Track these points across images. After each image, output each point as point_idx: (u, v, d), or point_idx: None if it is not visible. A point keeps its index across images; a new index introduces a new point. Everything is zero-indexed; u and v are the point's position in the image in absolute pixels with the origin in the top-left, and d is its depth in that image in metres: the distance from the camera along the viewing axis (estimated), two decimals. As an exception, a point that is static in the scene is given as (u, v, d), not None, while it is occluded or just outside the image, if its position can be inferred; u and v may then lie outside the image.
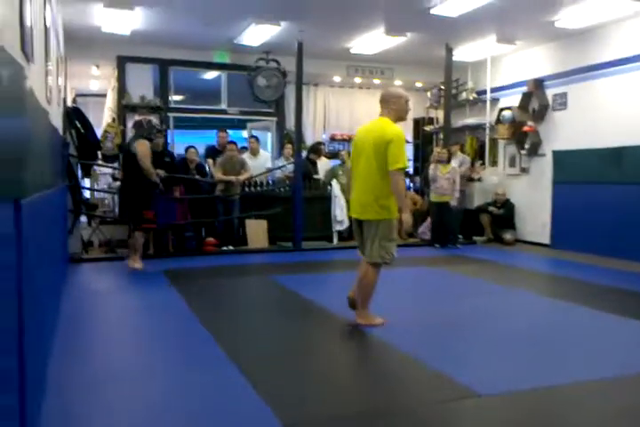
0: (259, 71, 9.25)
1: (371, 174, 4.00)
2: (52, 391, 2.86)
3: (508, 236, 8.94)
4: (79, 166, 7.75)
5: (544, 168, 8.79)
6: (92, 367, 3.35)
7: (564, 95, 8.48)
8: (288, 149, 9.03)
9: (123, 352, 3.64)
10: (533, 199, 9.00)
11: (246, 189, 8.40)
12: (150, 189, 6.55)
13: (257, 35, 8.20)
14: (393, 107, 4.06)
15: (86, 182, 8.63)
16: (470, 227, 9.28)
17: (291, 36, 8.13)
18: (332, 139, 10.66)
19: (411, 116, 10.96)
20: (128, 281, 6.19)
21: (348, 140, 10.45)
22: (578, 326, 4.30)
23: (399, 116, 4.10)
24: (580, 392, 3.01)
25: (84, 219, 7.93)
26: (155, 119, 9.00)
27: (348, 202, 8.87)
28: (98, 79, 11.09)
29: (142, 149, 6.47)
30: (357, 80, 10.43)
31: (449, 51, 8.73)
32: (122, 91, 9.05)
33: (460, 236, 9.16)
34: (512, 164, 9.55)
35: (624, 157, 7.30)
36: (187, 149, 8.22)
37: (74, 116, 7.51)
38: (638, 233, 7.07)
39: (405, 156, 3.99)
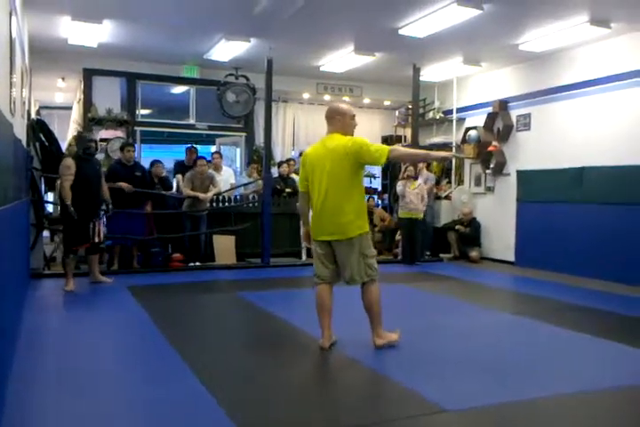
0: (228, 87, 9.24)
1: (344, 192, 3.87)
2: (10, 409, 2.76)
3: (473, 253, 9.05)
4: (43, 180, 7.59)
5: (509, 187, 8.95)
6: (52, 383, 3.25)
7: (528, 116, 8.69)
8: (253, 168, 8.97)
9: (84, 368, 3.53)
10: (498, 218, 9.15)
11: (214, 204, 8.33)
12: (64, 210, 6.12)
13: (227, 50, 8.22)
14: (339, 123, 3.99)
15: (50, 196, 8.45)
16: (437, 244, 9.38)
17: (260, 53, 8.16)
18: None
19: (379, 134, 11.18)
20: (91, 297, 6.05)
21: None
22: (541, 342, 4.35)
23: (345, 132, 3.99)
24: (544, 408, 3.03)
25: (46, 234, 7.74)
26: (121, 133, 8.96)
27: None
28: (63, 91, 10.95)
29: (61, 167, 6.16)
30: (327, 97, 10.51)
31: (416, 71, 8.88)
32: (88, 104, 8.93)
33: (428, 253, 9.25)
34: (477, 182, 9.71)
35: (585, 176, 7.49)
36: (152, 164, 8.12)
37: (38, 128, 7.38)
38: (599, 251, 7.24)
39: (379, 145, 3.93)
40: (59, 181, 7.42)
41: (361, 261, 3.90)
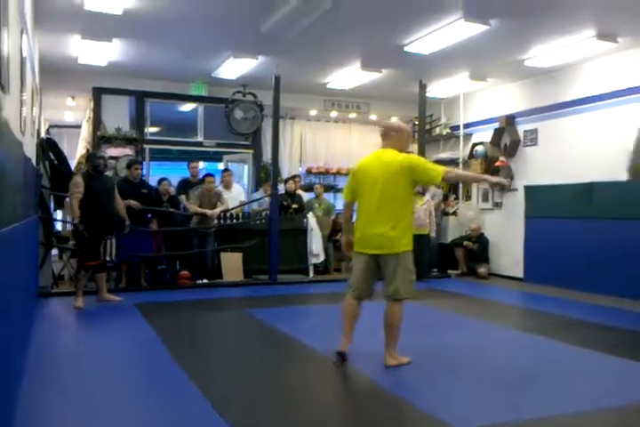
0: (236, 104, 9.31)
1: (395, 208, 3.88)
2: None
3: (481, 269, 8.99)
4: (52, 198, 7.62)
5: (516, 203, 8.92)
6: (60, 402, 3.23)
7: (535, 131, 8.69)
8: (268, 185, 8.95)
9: (92, 387, 3.51)
10: (506, 233, 9.10)
11: (221, 221, 8.34)
12: (76, 228, 6.18)
13: (234, 68, 8.29)
14: (394, 139, 4.06)
15: (58, 214, 8.49)
16: (445, 260, 9.33)
17: (268, 70, 8.23)
18: (309, 172, 10.71)
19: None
20: (99, 315, 6.03)
21: (325, 173, 10.52)
22: (553, 359, 4.29)
23: (401, 148, 4.06)
24: (559, 426, 2.99)
25: (55, 252, 7.75)
26: (130, 151, 9.02)
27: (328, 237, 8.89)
28: (73, 110, 11.05)
29: (70, 185, 6.21)
30: (334, 114, 10.56)
31: (422, 87, 8.91)
32: (97, 122, 9.00)
33: (435, 269, 9.20)
34: (485, 198, 9.68)
35: (594, 192, 7.45)
36: (160, 182, 8.14)
37: (48, 147, 7.43)
38: (610, 267, 7.16)
39: (434, 165, 3.98)
40: (68, 199, 7.47)
41: (407, 276, 3.93)
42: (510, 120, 9.02)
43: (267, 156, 9.80)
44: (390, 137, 4.08)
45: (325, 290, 7.66)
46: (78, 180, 6.21)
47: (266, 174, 9.57)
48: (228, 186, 8.82)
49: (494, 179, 4.40)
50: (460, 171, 4.21)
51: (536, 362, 4.22)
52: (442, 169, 3.86)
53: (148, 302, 6.48)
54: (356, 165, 4.21)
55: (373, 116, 10.65)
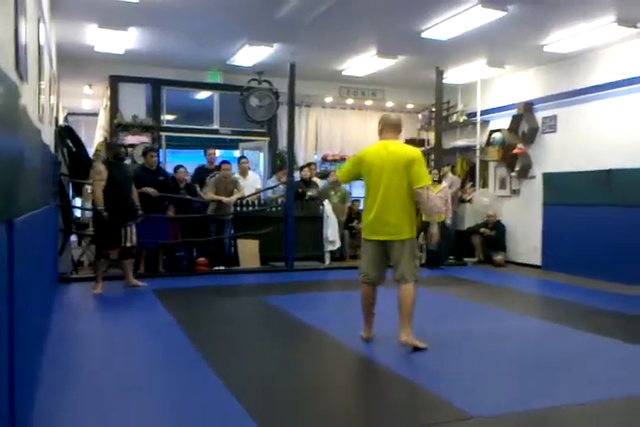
0: (251, 91, 9.30)
1: (401, 195, 4.05)
2: (41, 411, 2.80)
3: (498, 257, 8.95)
4: (70, 185, 7.71)
5: (534, 190, 8.84)
6: (80, 387, 3.29)
7: (554, 118, 8.58)
8: (282, 172, 8.97)
9: (111, 372, 3.57)
10: (524, 221, 9.04)
11: (238, 208, 8.38)
12: (97, 215, 6.30)
13: (250, 55, 8.27)
14: (396, 132, 4.25)
15: (77, 201, 8.58)
16: (461, 248, 9.30)
17: (283, 58, 8.21)
18: (324, 159, 10.70)
19: (402, 137, 11.11)
20: (118, 300, 6.12)
21: (340, 160, 10.49)
22: (568, 348, 4.28)
23: (399, 139, 4.31)
24: (571, 415, 2.99)
25: (74, 238, 7.86)
26: (146, 138, 9.07)
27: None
28: (90, 98, 11.12)
29: (92, 172, 6.31)
30: (349, 101, 10.52)
31: (439, 74, 8.84)
32: (114, 110, 9.06)
33: (452, 257, 9.17)
34: (502, 185, 9.61)
35: (613, 179, 7.36)
36: (176, 169, 8.20)
37: (66, 134, 7.50)
38: (628, 255, 7.10)
39: (427, 173, 4.17)
40: (88, 187, 7.56)
41: (411, 261, 4.10)
42: (528, 107, 8.92)
43: (282, 143, 9.80)
44: (392, 130, 4.24)
45: (341, 277, 7.69)
46: (100, 167, 6.29)
47: (281, 162, 9.58)
48: (244, 173, 8.86)
49: (434, 229, 4.39)
50: (430, 196, 4.35)
51: (553, 350, 4.21)
52: (426, 182, 4.09)
53: (165, 288, 6.56)
54: (360, 153, 4.32)
55: (389, 103, 10.59)
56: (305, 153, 10.59)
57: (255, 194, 8.76)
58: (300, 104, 10.15)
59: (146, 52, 8.25)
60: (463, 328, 4.80)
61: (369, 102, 10.60)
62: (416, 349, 4.01)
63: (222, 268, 8.04)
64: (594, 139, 7.85)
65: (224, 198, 7.95)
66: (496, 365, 3.81)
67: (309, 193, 8.91)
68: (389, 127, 4.24)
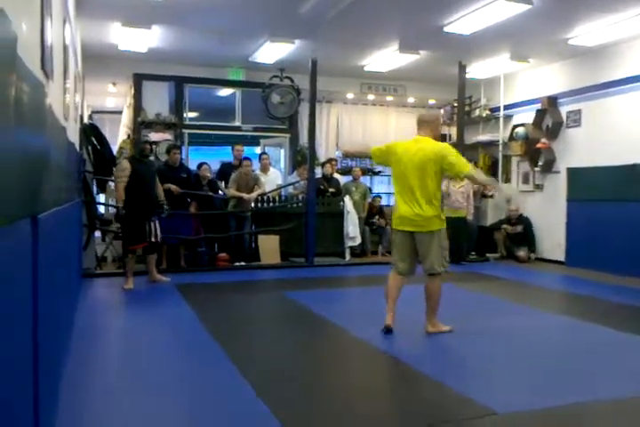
0: (273, 88, 9.33)
1: (428, 188, 4.22)
2: (64, 408, 2.85)
3: (521, 253, 8.87)
4: (95, 182, 7.82)
5: (558, 185, 8.74)
6: (103, 384, 3.35)
7: (578, 112, 8.46)
8: (304, 168, 8.97)
9: (134, 369, 3.63)
10: (548, 216, 8.94)
11: (259, 204, 8.43)
12: (120, 212, 6.39)
13: (271, 52, 8.30)
14: (428, 129, 4.40)
15: (101, 198, 8.71)
16: (484, 244, 9.23)
17: (305, 54, 8.21)
18: (345, 155, 10.69)
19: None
20: (141, 295, 6.20)
21: (360, 156, 10.47)
22: (595, 344, 4.24)
23: (434, 137, 4.40)
24: (596, 411, 2.97)
25: (97, 234, 7.98)
26: (169, 135, 9.16)
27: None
28: (114, 96, 11.24)
29: (116, 169, 6.45)
30: (371, 97, 10.48)
31: (462, 68, 8.76)
32: (138, 108, 9.16)
33: (474, 252, 9.11)
34: (525, 180, 9.52)
35: (639, 174, 7.24)
36: (199, 166, 8.28)
37: (90, 132, 7.61)
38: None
39: (463, 160, 4.32)
40: (111, 183, 7.66)
41: (439, 252, 4.27)
42: (553, 101, 8.80)
43: (303, 139, 9.81)
44: (424, 127, 4.42)
45: (362, 273, 7.70)
46: (125, 165, 6.38)
47: (302, 158, 9.59)
48: (265, 169, 8.91)
49: (502, 186, 4.82)
50: (479, 174, 4.68)
51: (577, 347, 4.18)
52: (469, 167, 4.28)
53: (187, 284, 6.63)
54: (394, 143, 4.54)
55: (411, 99, 10.54)
56: (326, 149, 10.59)
57: (276, 190, 8.80)
58: (322, 100, 10.13)
59: (169, 50, 8.32)
60: (485, 325, 4.77)
61: (390, 98, 10.56)
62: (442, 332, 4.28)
63: (243, 263, 8.10)
64: (619, 133, 7.72)
65: (245, 195, 8.01)
66: (519, 361, 3.78)
67: (330, 189, 8.92)
68: (421, 124, 4.43)
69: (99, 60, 8.52)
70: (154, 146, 8.66)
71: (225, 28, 7.31)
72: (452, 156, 4.21)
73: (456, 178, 7.36)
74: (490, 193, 9.66)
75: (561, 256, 8.58)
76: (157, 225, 6.55)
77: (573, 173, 8.40)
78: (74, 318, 4.76)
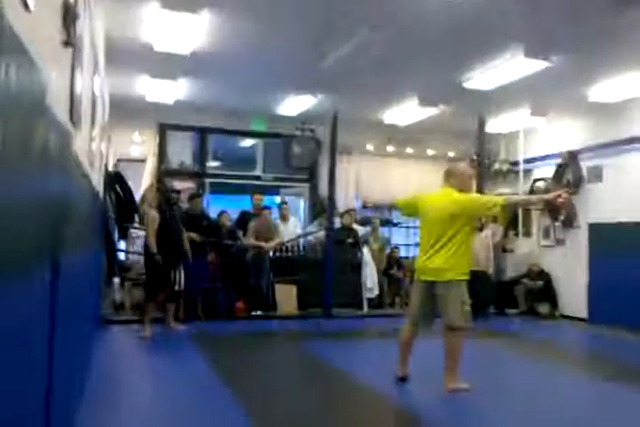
0: (294, 139, 9.49)
1: (448, 243, 4.15)
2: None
3: (542, 309, 8.67)
4: (117, 228, 7.91)
5: (580, 240, 8.63)
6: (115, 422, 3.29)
7: (599, 168, 8.44)
8: (324, 217, 8.99)
9: (149, 418, 3.56)
10: (569, 272, 8.79)
11: (277, 253, 8.43)
12: (149, 258, 6.48)
13: (294, 105, 8.50)
14: (454, 181, 4.36)
15: (122, 244, 8.77)
16: (504, 298, 9.06)
17: (326, 106, 8.38)
18: (364, 206, 10.70)
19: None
20: (157, 344, 6.14)
21: (380, 207, 10.48)
22: (615, 409, 4.04)
23: (460, 189, 4.35)
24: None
25: (116, 280, 8.00)
26: (192, 184, 9.29)
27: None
28: (139, 145, 11.49)
29: (146, 218, 6.57)
30: (390, 149, 10.59)
31: (482, 123, 8.85)
32: (162, 157, 9.34)
33: (493, 307, 8.94)
34: (546, 235, 9.42)
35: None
36: (219, 214, 8.36)
37: (115, 180, 7.76)
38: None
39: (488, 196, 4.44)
40: (133, 231, 7.75)
41: (458, 306, 4.13)
42: (573, 156, 8.80)
43: (323, 190, 9.88)
44: (450, 179, 4.42)
45: (379, 324, 7.57)
46: (155, 215, 6.50)
47: (322, 207, 9.63)
48: (284, 218, 8.96)
49: (544, 197, 4.82)
50: (517, 196, 4.67)
51: (597, 411, 4.00)
52: (500, 199, 4.26)
53: (204, 333, 6.56)
54: (421, 195, 4.60)
55: (431, 151, 10.62)
56: (345, 199, 10.62)
57: (295, 239, 8.81)
58: (342, 151, 10.26)
59: (194, 101, 8.55)
60: (502, 382, 4.66)
61: (410, 150, 10.65)
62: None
63: (260, 313, 8.02)
64: (641, 189, 7.66)
65: (264, 245, 8.03)
66: (537, 423, 3.63)
67: (349, 240, 8.91)
68: (445, 176, 4.48)
69: (126, 110, 8.76)
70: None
71: (249, 81, 7.53)
72: (467, 200, 4.23)
73: (491, 217, 7.15)
74: (510, 248, 9.56)
75: (583, 313, 8.38)
76: (182, 274, 6.59)
77: (596, 229, 8.31)
78: (91, 362, 4.71)
